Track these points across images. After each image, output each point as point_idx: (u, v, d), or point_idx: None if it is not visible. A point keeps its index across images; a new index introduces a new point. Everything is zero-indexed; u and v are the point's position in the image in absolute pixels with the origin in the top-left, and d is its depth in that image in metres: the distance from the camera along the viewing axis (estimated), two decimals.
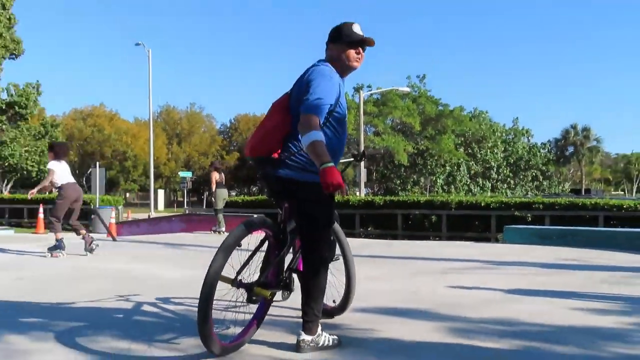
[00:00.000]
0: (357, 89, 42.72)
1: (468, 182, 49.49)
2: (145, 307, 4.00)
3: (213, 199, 13.21)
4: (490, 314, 3.83)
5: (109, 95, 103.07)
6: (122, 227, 17.27)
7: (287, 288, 3.08)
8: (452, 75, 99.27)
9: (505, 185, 52.41)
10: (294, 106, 2.79)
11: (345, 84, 2.97)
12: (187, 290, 4.75)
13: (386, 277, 5.58)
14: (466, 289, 4.88)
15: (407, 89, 39.15)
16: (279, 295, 3.11)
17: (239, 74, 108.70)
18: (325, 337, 2.91)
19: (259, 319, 3.07)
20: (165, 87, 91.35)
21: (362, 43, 2.90)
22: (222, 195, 13.36)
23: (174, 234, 13.36)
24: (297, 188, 2.82)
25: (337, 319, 3.58)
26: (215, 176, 13.27)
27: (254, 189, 67.16)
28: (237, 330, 3.00)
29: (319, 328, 2.91)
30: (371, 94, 41.79)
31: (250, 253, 2.84)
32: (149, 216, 24.71)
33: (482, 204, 17.14)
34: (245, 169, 63.56)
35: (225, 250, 2.67)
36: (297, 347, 2.85)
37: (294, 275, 3.13)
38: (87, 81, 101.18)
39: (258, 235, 2.93)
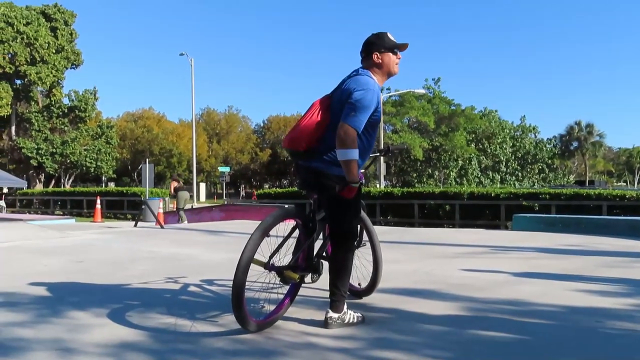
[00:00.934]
0: None
1: (479, 175, 48.80)
2: (189, 288, 4.05)
3: (176, 200, 16.02)
4: (498, 294, 3.77)
5: (157, 99, 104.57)
6: (169, 217, 17.52)
7: (316, 272, 3.09)
8: (465, 78, 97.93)
9: (513, 177, 51.50)
10: (335, 108, 2.82)
11: None
12: (224, 272, 4.78)
13: (403, 261, 5.53)
14: (477, 271, 4.81)
15: (423, 91, 38.86)
16: (309, 277, 3.12)
17: (272, 79, 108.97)
18: (350, 315, 2.93)
19: (290, 297, 3.09)
20: (206, 92, 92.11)
21: (400, 47, 2.94)
22: (184, 197, 16.07)
23: (214, 222, 13.39)
24: (329, 180, 2.83)
25: (350, 300, 3.55)
26: (174, 184, 16.35)
27: (285, 181, 67.39)
28: (271, 307, 3.04)
29: (345, 306, 2.94)
30: (390, 96, 41.47)
31: (282, 239, 2.88)
32: (192, 207, 25.00)
33: (492, 195, 16.89)
34: (277, 163, 63.88)
35: (257, 237, 2.70)
36: (325, 324, 2.88)
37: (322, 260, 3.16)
38: (138, 87, 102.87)
39: (289, 224, 2.94)
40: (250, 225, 11.58)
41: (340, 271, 2.89)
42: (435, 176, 46.56)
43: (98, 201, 18.83)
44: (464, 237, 8.44)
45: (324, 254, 3.15)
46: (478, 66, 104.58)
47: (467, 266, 5.14)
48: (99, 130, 40.75)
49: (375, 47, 2.90)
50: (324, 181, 2.84)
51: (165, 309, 3.34)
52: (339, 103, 2.79)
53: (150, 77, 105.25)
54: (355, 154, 2.67)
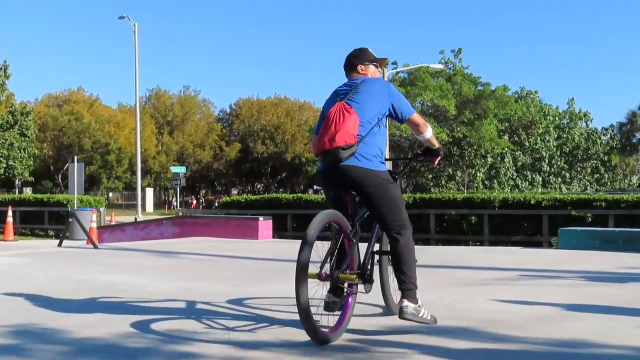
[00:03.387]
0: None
1: (514, 176, 49.21)
2: (131, 329, 4.01)
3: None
4: (542, 333, 3.79)
5: (88, 77, 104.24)
6: (105, 233, 17.36)
7: (369, 280, 3.87)
8: (494, 49, 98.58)
9: (559, 179, 52.03)
10: (362, 104, 3.89)
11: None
12: (179, 306, 4.76)
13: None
14: (512, 302, 4.83)
15: (440, 66, 38.94)
16: (361, 287, 3.84)
17: (240, 52, 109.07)
18: (425, 311, 3.73)
19: (350, 308, 3.75)
20: (155, 68, 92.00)
21: (380, 62, 4.28)
22: None
23: (164, 240, 13.36)
24: (372, 176, 3.76)
25: (361, 337, 3.64)
26: None
27: (259, 186, 67.32)
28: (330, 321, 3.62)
29: (420, 300, 3.72)
30: (397, 72, 41.56)
31: (330, 246, 3.61)
32: (135, 219, 24.90)
33: (532, 202, 17.00)
34: (249, 162, 63.97)
35: (308, 246, 3.36)
36: (400, 313, 3.62)
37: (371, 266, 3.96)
38: (63, 61, 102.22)
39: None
40: (215, 245, 11.51)
41: (408, 260, 3.75)
42: (457, 178, 46.82)
43: (9, 213, 18.66)
44: (494, 258, 8.45)
45: (374, 255, 4.09)
46: (511, 32, 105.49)
47: (500, 296, 5.16)
48: (11, 118, 40.44)
49: (358, 59, 4.15)
50: (363, 177, 3.75)
51: (98, 356, 3.30)
52: (364, 97, 3.92)
53: (80, 48, 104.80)
54: (430, 131, 4.19)
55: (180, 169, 42.62)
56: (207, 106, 69.81)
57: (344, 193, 3.89)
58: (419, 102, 44.14)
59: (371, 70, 4.17)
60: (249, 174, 67.31)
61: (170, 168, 48.41)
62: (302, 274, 3.31)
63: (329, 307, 3.57)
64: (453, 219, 17.79)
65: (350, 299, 3.78)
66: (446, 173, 46.69)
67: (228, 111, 69.87)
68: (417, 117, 4.09)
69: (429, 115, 44.48)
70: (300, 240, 3.42)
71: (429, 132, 4.15)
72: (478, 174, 46.95)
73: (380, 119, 3.89)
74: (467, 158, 46.25)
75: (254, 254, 9.60)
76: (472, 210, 17.52)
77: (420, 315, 3.66)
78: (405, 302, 3.63)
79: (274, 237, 14.47)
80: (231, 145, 64.00)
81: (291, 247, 11.58)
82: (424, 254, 9.04)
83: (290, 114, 66.36)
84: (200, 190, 68.98)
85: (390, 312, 4.30)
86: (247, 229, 13.47)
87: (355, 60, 4.16)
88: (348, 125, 3.68)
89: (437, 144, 4.22)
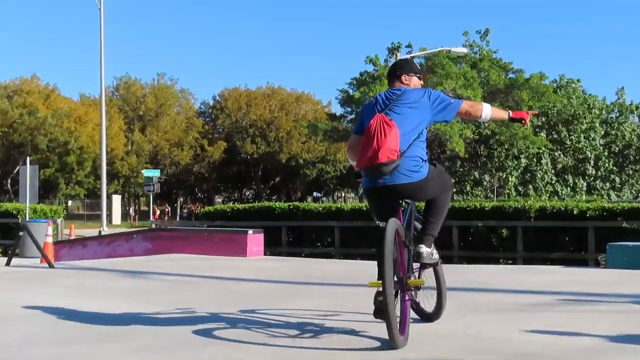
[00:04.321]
0: (393, 50, 42.55)
1: (553, 181, 49.12)
2: None
3: None
4: None
5: (44, 64, 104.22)
6: (63, 249, 17.26)
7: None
8: (527, 30, 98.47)
9: (607, 184, 51.93)
10: (405, 115, 4.66)
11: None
12: (153, 342, 4.76)
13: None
14: (549, 333, 4.83)
15: (464, 50, 38.86)
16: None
17: (225, 34, 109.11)
18: (437, 253, 4.81)
19: (408, 315, 4.57)
20: (124, 53, 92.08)
21: (423, 74, 5.26)
22: None
23: (135, 258, 13.29)
24: (422, 186, 4.63)
25: None
26: None
27: (249, 192, 67.23)
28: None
29: (433, 246, 4.79)
30: (412, 57, 41.69)
31: (395, 256, 4.32)
32: (99, 232, 24.81)
33: (575, 212, 16.93)
34: (236, 164, 63.80)
35: (389, 258, 4.13)
36: (418, 256, 4.66)
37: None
38: (13, 46, 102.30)
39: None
40: (195, 263, 11.44)
41: (441, 211, 4.82)
42: (484, 183, 46.64)
43: None
44: (529, 279, 8.41)
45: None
46: (547, 10, 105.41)
47: (534, 325, 5.13)
48: None
49: (403, 70, 5.06)
50: (422, 189, 4.67)
51: None
52: (404, 109, 4.69)
53: (34, 30, 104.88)
54: (487, 107, 4.95)
55: (154, 173, 42.56)
56: (187, 98, 69.70)
57: (394, 203, 4.73)
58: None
59: (414, 82, 5.00)
60: (236, 179, 67.11)
61: (142, 171, 48.40)
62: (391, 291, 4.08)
63: (380, 313, 4.13)
64: (480, 233, 17.65)
65: (407, 305, 4.57)
66: (472, 177, 46.36)
67: (211, 104, 69.67)
68: (465, 106, 4.86)
69: None
70: (376, 249, 4.28)
71: (486, 112, 4.88)
72: (510, 179, 46.68)
73: (421, 131, 4.68)
74: (496, 159, 46.02)
75: (243, 274, 9.56)
76: (503, 222, 17.34)
77: (434, 256, 4.78)
78: (423, 248, 4.67)
79: (265, 253, 14.45)
80: (215, 145, 63.74)
81: (286, 266, 11.59)
82: (449, 274, 8.91)
83: (286, 107, 66.06)
84: (177, 198, 68.70)
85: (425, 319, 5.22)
86: (234, 245, 13.43)
87: (400, 70, 5.06)
88: (390, 142, 4.40)
89: (505, 115, 5.04)
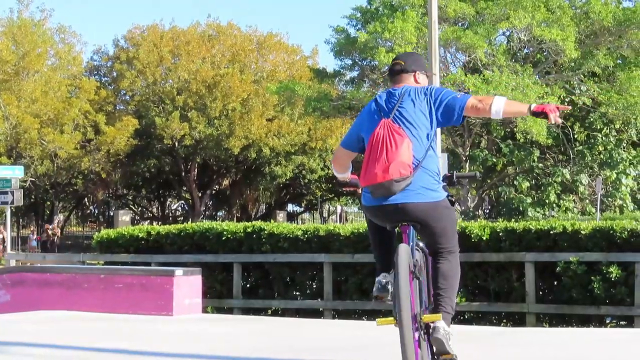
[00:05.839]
0: None
1: None
2: None
3: None
4: None
5: None
6: None
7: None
8: None
9: None
10: (413, 121, 4.42)
11: None
12: None
13: None
14: None
15: None
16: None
17: None
18: (452, 341, 4.32)
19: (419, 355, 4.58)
20: None
21: (428, 73, 5.46)
22: None
23: None
24: (435, 208, 4.36)
25: None
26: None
27: (176, 204, 54.82)
28: None
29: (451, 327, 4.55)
30: None
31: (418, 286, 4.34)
32: None
33: None
34: (154, 155, 44.37)
35: (405, 296, 3.98)
36: (434, 331, 4.21)
37: None
38: None
39: None
40: (83, 327, 8.94)
41: (453, 282, 4.43)
42: (579, 187, 32.53)
43: None
44: None
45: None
46: None
47: None
48: None
49: (417, 66, 4.78)
50: (436, 213, 4.36)
51: None
52: (413, 114, 4.43)
53: None
54: (500, 100, 4.49)
55: (13, 171, 31.97)
56: (69, 42, 45.71)
57: (403, 226, 4.35)
58: (503, 33, 31.20)
59: (423, 82, 4.65)
60: (154, 181, 47.00)
61: None
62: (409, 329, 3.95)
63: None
64: (572, 273, 13.31)
65: (417, 344, 4.24)
66: (557, 178, 32.37)
67: (112, 52, 46.42)
68: (472, 101, 4.33)
69: (519, 60, 30.73)
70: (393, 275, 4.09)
71: (497, 105, 4.29)
72: (623, 181, 33.18)
73: (432, 137, 4.34)
74: (598, 147, 31.76)
75: (165, 349, 7.24)
76: (612, 255, 13.11)
77: (450, 340, 4.18)
78: (441, 323, 4.15)
79: (205, 310, 11.70)
80: (118, 123, 41.22)
81: (242, 334, 8.93)
82: (512, 342, 7.76)
83: (241, 59, 45.02)
84: (54, 212, 47.65)
85: None
86: (151, 294, 10.55)
87: (415, 65, 4.63)
88: (402, 154, 4.14)
89: (524, 108, 4.42)
